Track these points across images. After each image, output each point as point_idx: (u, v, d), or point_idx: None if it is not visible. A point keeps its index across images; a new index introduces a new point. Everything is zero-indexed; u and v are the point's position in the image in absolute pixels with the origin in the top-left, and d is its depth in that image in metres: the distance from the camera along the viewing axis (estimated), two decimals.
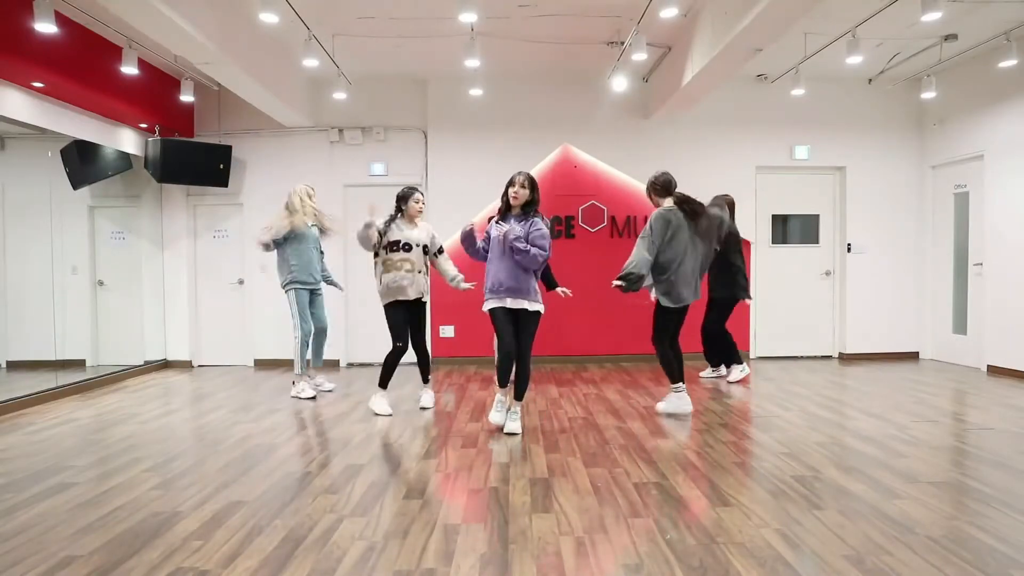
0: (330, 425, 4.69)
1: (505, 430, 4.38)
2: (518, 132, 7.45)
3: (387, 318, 4.96)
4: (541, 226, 4.30)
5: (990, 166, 6.66)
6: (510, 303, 4.30)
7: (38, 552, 2.60)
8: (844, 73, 7.12)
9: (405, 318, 4.97)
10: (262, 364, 7.53)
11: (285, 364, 7.34)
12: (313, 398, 5.63)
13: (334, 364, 7.48)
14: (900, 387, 5.90)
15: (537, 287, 4.39)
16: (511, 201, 4.33)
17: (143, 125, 6.71)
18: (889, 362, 7.42)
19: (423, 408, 5.17)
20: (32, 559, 2.54)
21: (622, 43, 5.98)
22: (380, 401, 5.02)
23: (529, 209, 4.34)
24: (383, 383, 5.02)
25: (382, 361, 5.01)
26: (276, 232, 5.51)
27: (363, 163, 7.50)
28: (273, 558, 2.52)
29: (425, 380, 5.29)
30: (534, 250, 4.22)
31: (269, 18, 4.75)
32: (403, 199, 4.99)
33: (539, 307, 4.36)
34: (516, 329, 4.36)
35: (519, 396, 4.47)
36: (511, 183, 4.34)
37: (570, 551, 2.56)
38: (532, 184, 4.35)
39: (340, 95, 6.61)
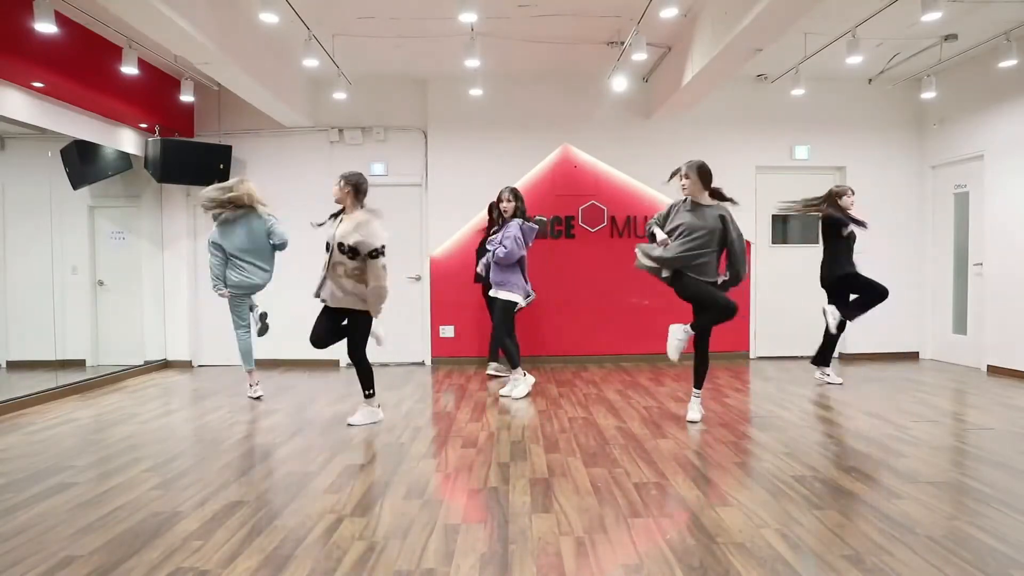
0: (329, 425, 4.69)
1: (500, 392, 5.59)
2: (518, 132, 7.45)
3: None
4: (512, 231, 5.32)
5: (990, 166, 6.65)
6: (491, 291, 5.59)
7: (38, 552, 2.60)
8: (844, 73, 7.11)
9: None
10: (262, 364, 7.50)
11: (285, 364, 7.35)
12: None
13: (334, 364, 7.47)
14: (900, 387, 5.90)
15: (514, 282, 5.40)
16: (504, 214, 5.43)
17: (143, 125, 6.71)
18: (889, 362, 7.42)
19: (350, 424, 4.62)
20: (32, 559, 2.54)
21: (622, 43, 5.98)
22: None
23: (517, 216, 5.39)
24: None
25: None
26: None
27: (363, 163, 7.47)
28: (273, 558, 2.52)
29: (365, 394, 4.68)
30: (499, 249, 5.29)
31: (269, 18, 4.76)
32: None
33: (504, 295, 5.42)
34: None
35: (492, 358, 5.94)
36: (499, 199, 5.46)
37: (570, 551, 2.56)
38: (516, 195, 5.44)
39: (340, 95, 6.61)
